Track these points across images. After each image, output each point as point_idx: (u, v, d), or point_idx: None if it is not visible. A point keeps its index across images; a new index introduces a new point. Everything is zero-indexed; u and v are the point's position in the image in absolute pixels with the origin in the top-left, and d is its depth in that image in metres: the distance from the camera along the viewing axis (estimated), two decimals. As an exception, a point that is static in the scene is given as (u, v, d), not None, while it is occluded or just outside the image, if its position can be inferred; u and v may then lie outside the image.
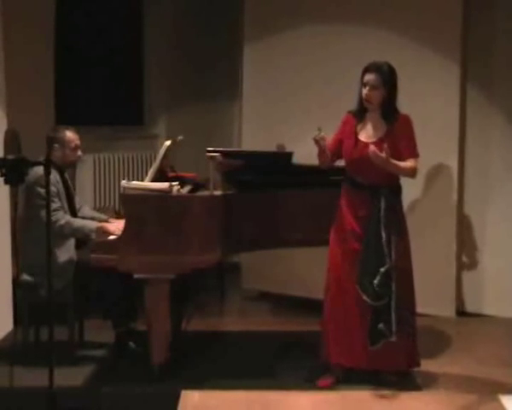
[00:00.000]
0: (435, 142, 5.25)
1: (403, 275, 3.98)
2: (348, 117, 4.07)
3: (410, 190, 5.27)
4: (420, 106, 5.21)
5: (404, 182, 4.77)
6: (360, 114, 4.02)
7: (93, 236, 4.22)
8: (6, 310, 4.78)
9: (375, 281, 3.87)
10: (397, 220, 3.99)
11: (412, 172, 4.00)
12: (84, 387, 4.03)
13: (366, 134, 4.00)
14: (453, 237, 5.35)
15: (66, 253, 4.31)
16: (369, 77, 3.93)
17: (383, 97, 3.95)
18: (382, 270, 3.88)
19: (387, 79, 3.94)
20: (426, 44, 5.22)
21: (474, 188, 5.38)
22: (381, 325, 3.88)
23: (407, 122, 4.00)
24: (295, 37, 5.60)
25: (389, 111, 3.97)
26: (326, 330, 4.09)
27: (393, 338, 3.90)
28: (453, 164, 5.30)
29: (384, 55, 5.20)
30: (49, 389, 3.34)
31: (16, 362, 3.70)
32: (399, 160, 3.92)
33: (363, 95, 3.94)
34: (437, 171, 5.31)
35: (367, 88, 3.93)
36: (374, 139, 3.95)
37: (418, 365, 4.12)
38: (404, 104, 5.10)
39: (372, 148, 3.83)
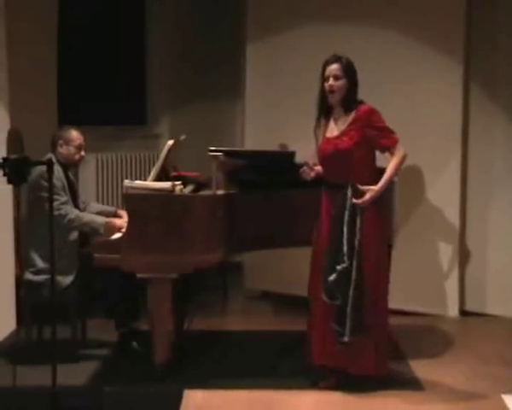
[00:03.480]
0: (438, 140, 5.25)
1: (362, 278, 3.86)
2: (316, 124, 4.06)
3: (413, 189, 5.28)
4: (423, 105, 5.22)
5: (406, 181, 4.79)
6: (324, 113, 4.00)
7: (101, 230, 4.27)
8: (9, 309, 4.78)
9: (331, 278, 3.83)
10: (363, 220, 3.87)
11: (403, 160, 3.93)
12: (86, 386, 4.02)
13: (329, 130, 3.99)
14: (456, 236, 5.35)
15: (72, 248, 4.34)
16: (330, 68, 3.92)
17: (345, 89, 3.91)
18: (339, 268, 3.82)
19: (348, 69, 3.93)
20: (429, 44, 5.22)
21: (477, 186, 5.37)
22: (333, 325, 3.84)
23: (368, 113, 3.90)
24: (298, 36, 5.60)
25: (350, 103, 3.93)
26: (308, 331, 4.07)
27: (345, 340, 3.82)
28: (456, 162, 5.29)
29: (387, 54, 5.25)
30: (51, 388, 3.35)
31: (19, 361, 3.70)
32: (365, 153, 3.90)
33: (327, 86, 3.92)
34: (440, 169, 5.31)
35: (330, 79, 3.91)
36: (336, 133, 3.94)
37: (382, 373, 3.97)
38: (407, 103, 5.14)
39: (358, 202, 3.82)
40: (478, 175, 5.38)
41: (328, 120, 4.02)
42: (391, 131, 3.92)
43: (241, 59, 6.04)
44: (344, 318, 3.82)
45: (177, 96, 6.50)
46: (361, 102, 3.94)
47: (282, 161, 4.49)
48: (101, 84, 6.30)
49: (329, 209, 3.96)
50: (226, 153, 4.17)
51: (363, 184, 3.88)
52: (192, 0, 6.56)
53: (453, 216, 5.33)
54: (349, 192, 3.87)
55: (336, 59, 3.93)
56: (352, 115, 3.91)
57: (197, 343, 4.68)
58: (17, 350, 4.30)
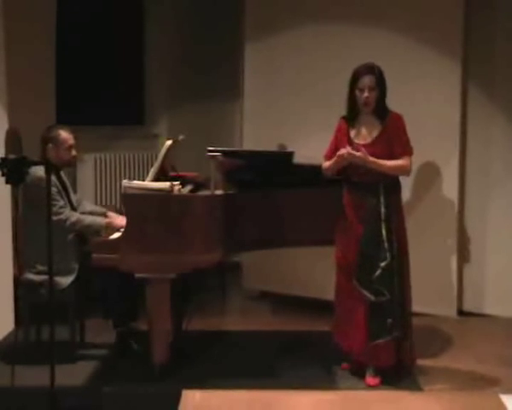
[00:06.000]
0: (436, 141, 5.25)
1: (403, 273, 4.02)
2: (341, 123, 4.14)
3: (411, 189, 5.29)
4: (421, 105, 5.22)
5: (406, 180, 4.79)
6: (352, 118, 4.08)
7: (103, 232, 4.27)
8: (7, 309, 4.78)
9: (375, 276, 3.92)
10: (396, 217, 4.02)
11: (402, 170, 4.04)
12: (84, 386, 4.02)
13: (361, 136, 4.06)
14: (454, 237, 5.35)
15: (72, 249, 4.35)
16: (365, 80, 3.98)
17: (377, 98, 4.01)
18: (382, 265, 3.92)
19: (381, 79, 4.01)
20: (427, 44, 5.22)
21: (475, 187, 5.38)
22: (389, 320, 3.92)
23: (397, 120, 4.04)
24: (296, 36, 5.60)
25: (382, 111, 4.03)
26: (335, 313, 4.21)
27: (397, 334, 3.94)
28: (454, 163, 5.29)
29: (386, 54, 5.23)
30: (50, 388, 3.35)
31: (17, 361, 3.70)
32: (393, 159, 3.98)
33: (363, 98, 3.98)
34: (438, 170, 5.31)
35: (365, 91, 3.97)
36: (369, 140, 4.02)
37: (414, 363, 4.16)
38: (406, 104, 5.13)
39: (344, 150, 3.92)
40: (476, 176, 5.38)
41: (353, 126, 4.08)
42: (408, 143, 4.03)
43: (240, 59, 6.04)
44: (393, 313, 3.92)
45: (175, 96, 6.50)
46: (388, 109, 4.05)
47: (281, 161, 4.49)
48: (100, 84, 6.30)
49: (358, 210, 4.02)
50: (225, 153, 4.17)
51: (392, 183, 4.01)
52: (191, 0, 6.56)
53: (451, 216, 5.33)
54: (382, 191, 3.96)
55: (369, 70, 3.99)
56: (384, 123, 4.01)
57: (196, 343, 4.68)
58: (15, 350, 4.29)
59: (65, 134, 4.38)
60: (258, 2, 5.77)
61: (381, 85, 4.00)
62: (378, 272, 3.92)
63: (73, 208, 4.50)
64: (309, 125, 5.45)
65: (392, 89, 5.05)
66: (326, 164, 4.12)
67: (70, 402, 3.64)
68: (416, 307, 4.99)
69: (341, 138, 4.10)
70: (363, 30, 5.33)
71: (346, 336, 4.10)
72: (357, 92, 4.00)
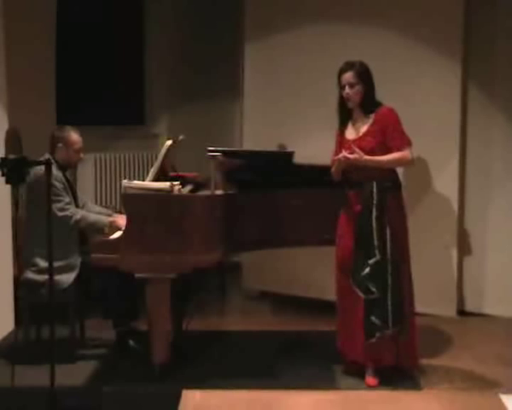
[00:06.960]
0: (436, 141, 5.25)
1: (400, 271, 4.00)
2: (337, 131, 4.16)
3: (411, 189, 5.29)
4: (421, 105, 5.23)
5: (405, 180, 4.80)
6: (342, 119, 4.10)
7: (106, 230, 4.27)
8: (7, 309, 4.78)
9: (364, 273, 3.91)
10: (396, 216, 4.00)
11: (404, 162, 4.04)
12: (84, 386, 4.03)
13: (352, 132, 4.08)
14: (454, 237, 5.35)
15: (75, 246, 4.36)
16: (345, 76, 4.00)
17: (362, 93, 4.00)
18: (371, 262, 3.91)
19: (362, 74, 4.01)
20: (427, 44, 5.23)
21: (475, 187, 5.38)
22: (373, 318, 3.90)
23: (389, 114, 4.02)
24: (296, 36, 5.60)
25: (369, 106, 4.03)
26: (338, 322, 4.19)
27: (389, 332, 3.92)
28: (454, 163, 5.30)
29: (386, 54, 5.25)
30: (50, 388, 3.35)
31: (17, 361, 3.70)
32: (388, 153, 3.97)
33: (344, 95, 4.01)
34: (438, 170, 5.31)
35: (346, 87, 3.99)
36: (358, 135, 4.03)
37: (415, 364, 4.14)
38: (405, 104, 5.15)
39: (340, 155, 3.92)
40: (476, 176, 5.38)
41: (346, 125, 4.10)
42: (404, 134, 4.01)
43: (240, 58, 6.04)
44: (385, 311, 3.91)
45: (175, 95, 6.50)
46: (380, 104, 4.04)
47: (281, 161, 4.49)
48: (100, 84, 6.30)
49: (354, 208, 4.03)
50: (225, 153, 4.17)
51: (390, 180, 4.00)
52: (191, 0, 6.56)
53: (452, 216, 5.33)
54: (375, 189, 3.95)
55: (349, 66, 4.01)
56: (373, 117, 4.01)
57: (196, 343, 4.68)
58: (15, 350, 4.29)
59: (76, 136, 4.43)
60: (258, 2, 5.78)
61: (364, 80, 4.00)
62: (367, 268, 3.92)
63: (78, 208, 4.51)
64: (309, 125, 5.46)
65: (392, 89, 5.08)
66: (331, 170, 4.13)
67: (70, 402, 3.64)
68: (416, 307, 5.00)
69: (337, 142, 4.14)
70: (363, 30, 5.34)
71: (348, 337, 4.09)
72: (342, 91, 4.03)
